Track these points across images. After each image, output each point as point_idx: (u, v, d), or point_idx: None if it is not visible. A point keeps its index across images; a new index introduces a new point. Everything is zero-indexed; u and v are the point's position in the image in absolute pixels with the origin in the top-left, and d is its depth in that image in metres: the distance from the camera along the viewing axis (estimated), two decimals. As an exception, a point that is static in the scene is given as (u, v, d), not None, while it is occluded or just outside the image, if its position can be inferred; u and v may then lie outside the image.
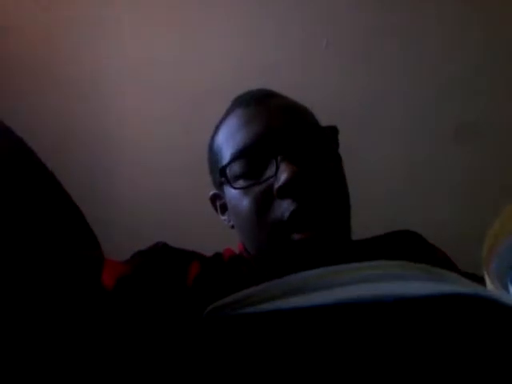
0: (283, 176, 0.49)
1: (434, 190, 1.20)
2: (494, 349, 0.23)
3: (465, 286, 0.26)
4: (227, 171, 0.54)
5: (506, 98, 1.14)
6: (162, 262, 0.52)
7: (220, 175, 0.55)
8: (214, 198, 0.63)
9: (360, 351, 0.25)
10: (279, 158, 0.51)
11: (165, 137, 1.25)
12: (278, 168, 0.51)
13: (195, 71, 1.23)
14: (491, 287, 0.30)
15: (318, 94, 1.16)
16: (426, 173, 1.20)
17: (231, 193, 0.55)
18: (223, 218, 0.62)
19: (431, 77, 1.17)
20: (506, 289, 0.29)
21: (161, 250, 0.55)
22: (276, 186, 0.50)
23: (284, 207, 0.50)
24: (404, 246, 0.61)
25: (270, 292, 0.29)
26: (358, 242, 0.60)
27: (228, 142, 0.56)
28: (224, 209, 0.61)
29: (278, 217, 0.50)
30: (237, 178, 0.53)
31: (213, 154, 0.60)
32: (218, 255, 0.58)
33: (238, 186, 0.53)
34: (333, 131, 0.56)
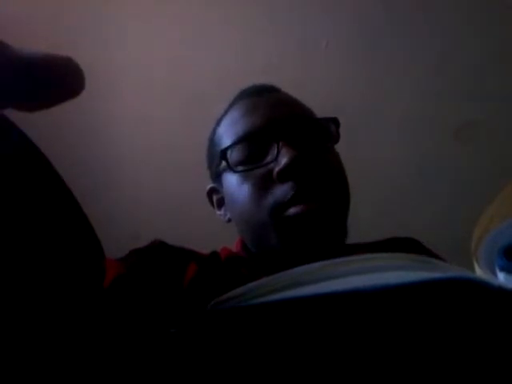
0: (284, 159, 0.50)
1: (434, 189, 1.20)
2: (484, 331, 0.24)
3: (456, 272, 0.27)
4: (228, 155, 0.54)
5: (505, 98, 1.14)
6: (159, 261, 0.51)
7: (220, 158, 0.55)
8: (211, 193, 0.63)
9: (356, 338, 0.26)
10: (280, 143, 0.51)
11: (165, 136, 1.25)
12: (278, 152, 0.51)
13: (195, 71, 1.23)
14: (480, 273, 0.31)
15: (318, 93, 1.16)
16: (426, 173, 1.20)
17: (230, 179, 0.55)
18: (219, 212, 0.62)
19: (431, 77, 1.17)
20: (495, 274, 0.30)
21: (158, 249, 0.54)
22: (277, 169, 0.51)
23: (285, 190, 0.50)
24: (402, 251, 0.61)
25: (269, 286, 0.29)
26: (355, 246, 0.59)
27: (229, 131, 0.56)
28: (220, 203, 0.61)
29: (279, 199, 0.50)
30: (237, 163, 0.54)
31: (213, 144, 0.60)
32: (214, 254, 0.57)
33: (239, 169, 0.53)
34: (334, 122, 0.57)
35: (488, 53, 1.14)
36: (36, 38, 1.23)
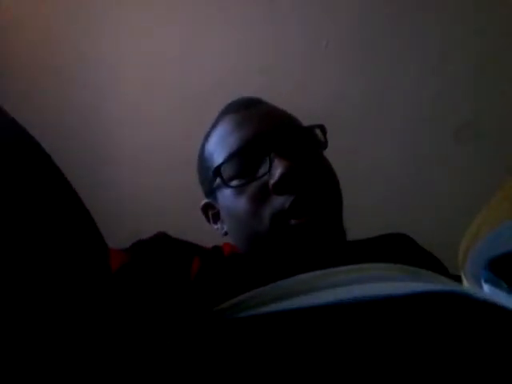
0: (278, 171, 0.50)
1: (434, 189, 1.20)
2: (469, 341, 0.25)
3: (443, 284, 0.27)
4: (222, 171, 0.54)
5: (505, 98, 1.14)
6: (164, 252, 0.52)
7: (214, 175, 0.55)
8: (206, 208, 0.63)
9: (348, 348, 0.26)
10: (272, 154, 0.52)
11: (165, 136, 1.25)
12: (271, 164, 0.51)
13: (195, 71, 1.23)
14: (467, 285, 0.32)
15: (318, 94, 1.16)
16: (426, 173, 1.20)
17: (226, 194, 0.55)
18: (215, 226, 0.62)
19: (431, 77, 1.17)
20: (480, 286, 0.31)
21: (162, 241, 0.55)
22: (271, 181, 0.51)
23: (283, 199, 0.50)
24: (395, 248, 0.61)
25: (264, 297, 0.30)
26: (351, 243, 0.60)
27: (220, 147, 0.57)
28: (216, 217, 0.61)
29: (278, 208, 0.50)
30: (231, 178, 0.54)
31: (204, 161, 0.61)
32: (217, 249, 0.58)
33: (234, 185, 0.53)
34: (321, 129, 0.57)
35: (488, 53, 1.14)
36: (36, 38, 1.23)
